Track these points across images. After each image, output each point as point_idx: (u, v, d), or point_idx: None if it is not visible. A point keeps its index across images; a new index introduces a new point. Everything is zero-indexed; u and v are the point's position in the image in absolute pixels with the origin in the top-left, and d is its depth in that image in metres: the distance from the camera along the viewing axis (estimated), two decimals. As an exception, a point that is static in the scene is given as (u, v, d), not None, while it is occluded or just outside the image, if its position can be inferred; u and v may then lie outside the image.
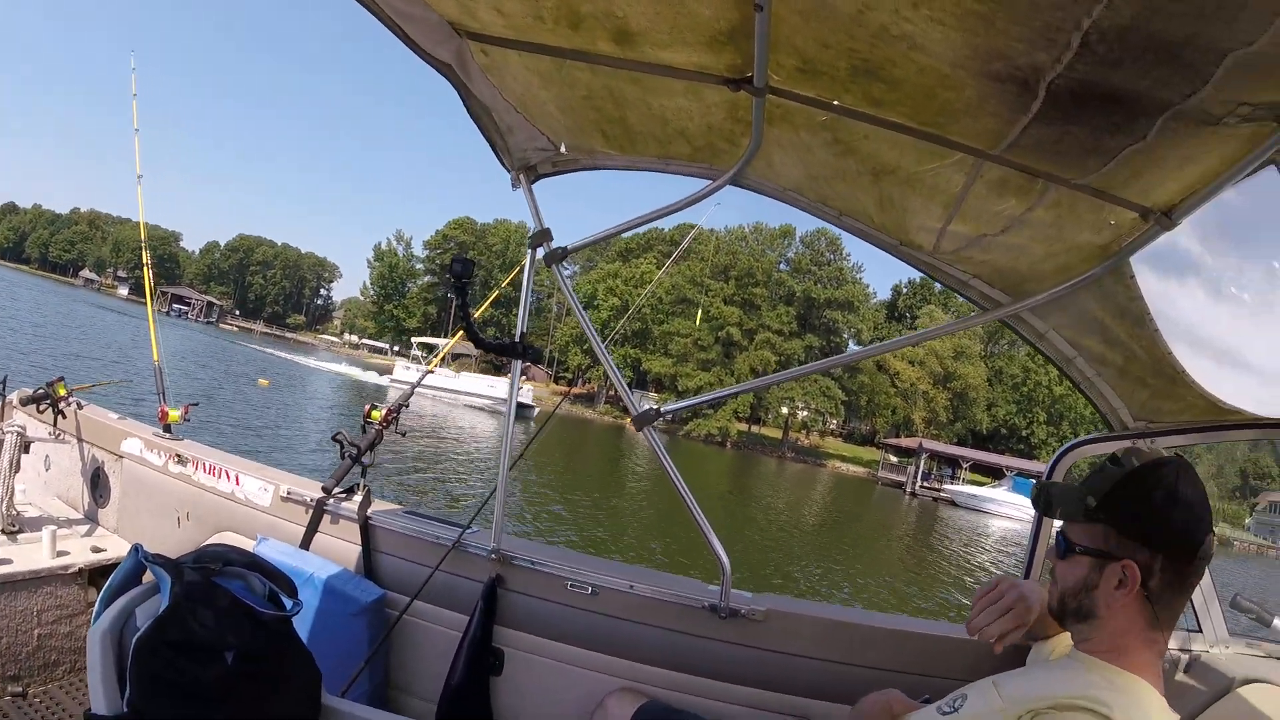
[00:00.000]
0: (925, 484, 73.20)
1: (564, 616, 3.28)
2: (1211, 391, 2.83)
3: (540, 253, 3.09)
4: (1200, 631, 3.63)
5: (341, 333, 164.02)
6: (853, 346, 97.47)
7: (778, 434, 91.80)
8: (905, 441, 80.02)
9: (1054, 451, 3.71)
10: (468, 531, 3.46)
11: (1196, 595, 3.61)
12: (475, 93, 2.48)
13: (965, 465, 77.09)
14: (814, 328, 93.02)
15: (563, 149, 2.95)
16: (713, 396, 3.88)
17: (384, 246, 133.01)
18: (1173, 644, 3.54)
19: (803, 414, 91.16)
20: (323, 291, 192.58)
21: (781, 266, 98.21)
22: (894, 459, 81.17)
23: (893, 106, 2.03)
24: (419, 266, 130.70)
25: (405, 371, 69.28)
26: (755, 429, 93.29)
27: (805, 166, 2.66)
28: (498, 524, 3.31)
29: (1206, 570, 3.51)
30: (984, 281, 3.05)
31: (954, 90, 1.83)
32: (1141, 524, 1.80)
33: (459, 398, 65.11)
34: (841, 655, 3.22)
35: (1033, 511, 3.16)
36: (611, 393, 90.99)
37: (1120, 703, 1.70)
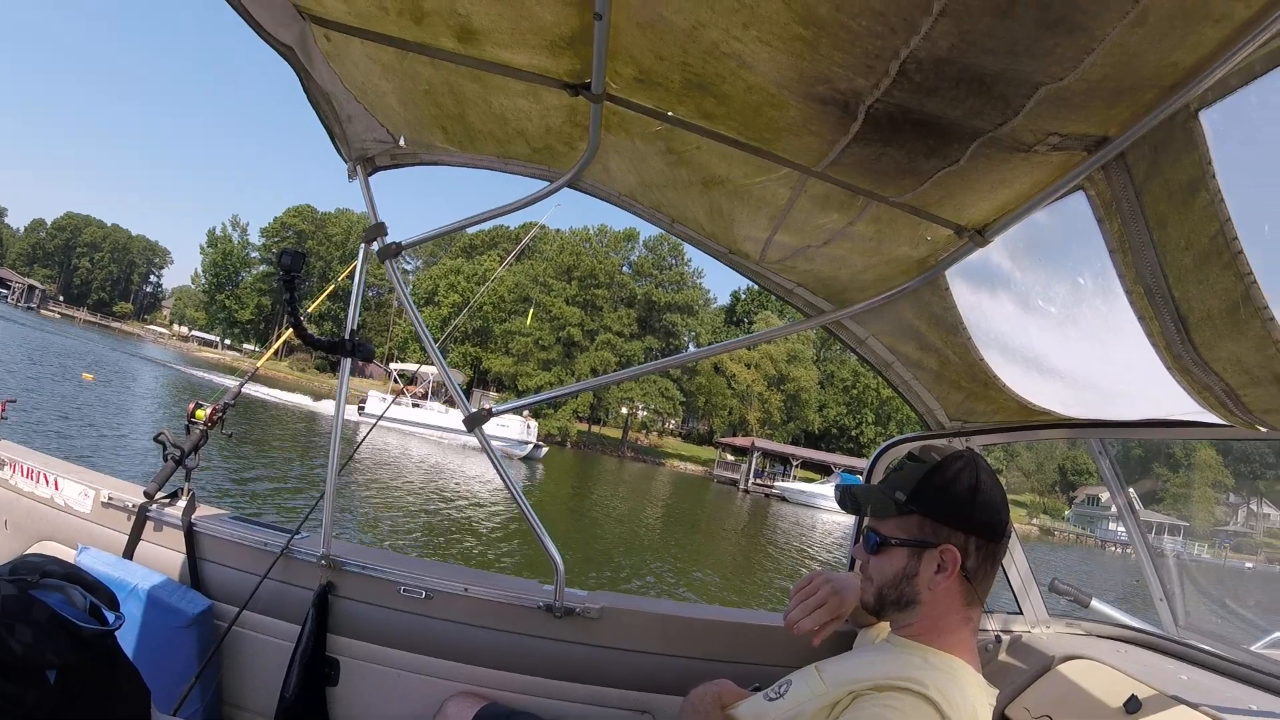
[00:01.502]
0: (758, 481, 75.38)
1: (398, 622, 3.21)
2: (1021, 394, 3.01)
3: (375, 247, 3.03)
4: (1021, 614, 3.85)
5: (171, 323, 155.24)
6: (692, 349, 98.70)
7: (618, 434, 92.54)
8: (740, 441, 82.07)
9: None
10: (297, 538, 3.32)
11: (1015, 580, 3.83)
12: (316, 78, 2.42)
13: (796, 463, 79.76)
14: (654, 330, 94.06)
15: (402, 142, 2.90)
16: (548, 396, 3.88)
17: (218, 232, 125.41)
18: (994, 626, 3.76)
19: (642, 414, 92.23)
20: (152, 278, 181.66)
21: (624, 269, 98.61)
22: (730, 457, 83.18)
23: (723, 121, 2.09)
24: (254, 255, 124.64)
25: (381, 404, 59.11)
26: (596, 429, 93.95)
27: (640, 174, 2.71)
28: (326, 529, 3.20)
29: (1024, 557, 3.82)
30: (808, 290, 3.18)
31: (779, 109, 1.90)
32: (953, 511, 1.92)
33: (452, 438, 56.50)
34: (676, 648, 3.28)
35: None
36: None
37: (937, 680, 1.78)
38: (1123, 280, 1.97)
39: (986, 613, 3.62)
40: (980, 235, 2.28)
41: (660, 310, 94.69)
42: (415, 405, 60.91)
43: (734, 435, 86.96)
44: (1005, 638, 3.73)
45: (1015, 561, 3.83)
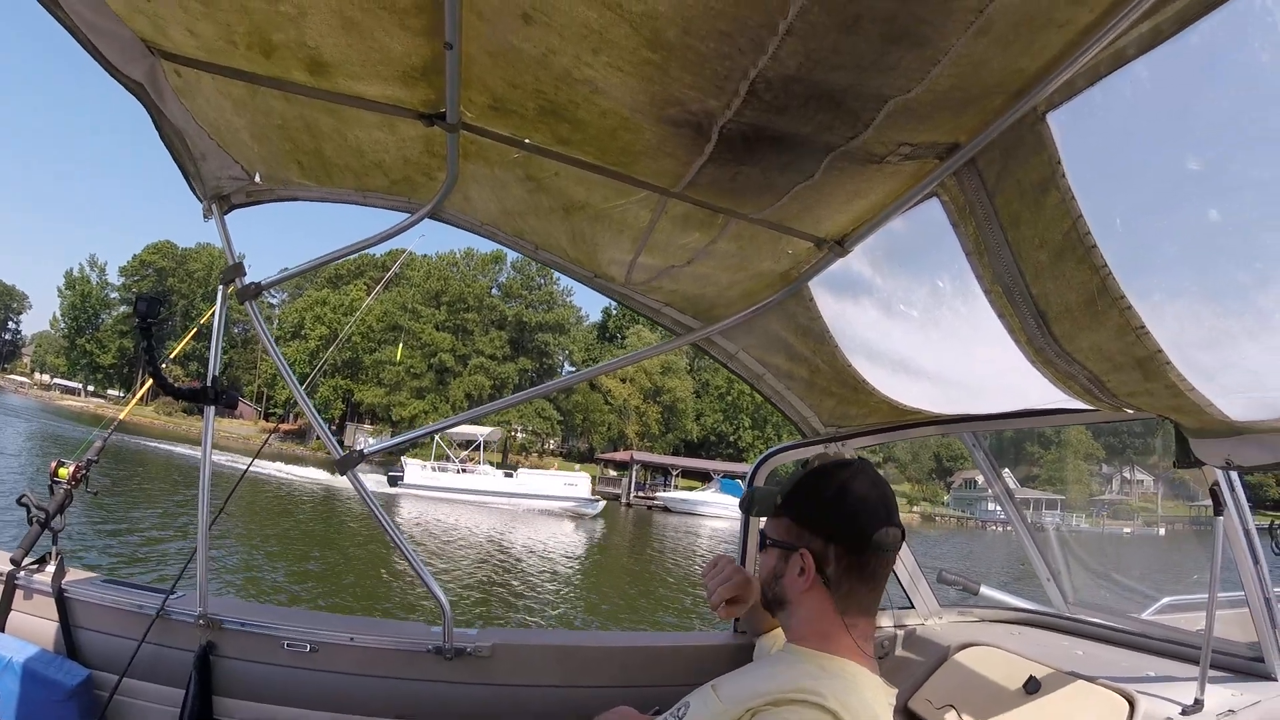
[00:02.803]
0: (640, 494, 75.59)
1: (284, 678, 3.08)
2: (891, 396, 3.07)
3: (235, 288, 2.92)
4: (913, 608, 3.94)
5: (32, 371, 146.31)
6: (567, 368, 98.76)
7: (498, 458, 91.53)
8: (619, 455, 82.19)
9: (760, 453, 3.93)
10: (172, 597, 3.15)
11: (903, 575, 3.91)
12: (168, 115, 2.32)
13: (676, 473, 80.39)
14: (527, 351, 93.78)
15: (257, 178, 2.80)
16: (427, 430, 3.79)
17: (76, 273, 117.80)
18: (887, 622, 3.84)
19: (521, 436, 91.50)
20: (10, 325, 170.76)
21: (493, 291, 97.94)
22: (612, 473, 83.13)
23: (579, 146, 2.09)
24: (114, 296, 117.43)
25: (423, 472, 54.72)
26: (477, 455, 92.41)
27: (501, 201, 2.69)
28: (202, 586, 3.04)
29: (909, 551, 3.89)
30: (676, 309, 3.21)
31: (634, 133, 1.91)
32: (814, 516, 1.97)
33: (520, 502, 51.90)
34: (573, 679, 3.25)
35: (738, 509, 3.31)
36: (328, 427, 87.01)
37: (833, 687, 1.79)
38: (981, 281, 2.03)
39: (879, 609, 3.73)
40: (840, 246, 2.34)
41: (532, 331, 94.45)
42: (462, 470, 56.50)
43: (614, 450, 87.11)
44: (900, 633, 3.82)
45: (901, 557, 3.89)
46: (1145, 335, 1.77)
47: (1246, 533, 3.00)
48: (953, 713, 3.24)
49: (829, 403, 3.44)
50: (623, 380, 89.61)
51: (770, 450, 3.86)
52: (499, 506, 50.15)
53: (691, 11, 1.40)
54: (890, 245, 2.35)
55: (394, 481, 51.53)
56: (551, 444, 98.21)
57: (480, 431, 61.29)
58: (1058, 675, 3.11)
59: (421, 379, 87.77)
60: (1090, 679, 3.01)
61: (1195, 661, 3.19)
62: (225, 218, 2.91)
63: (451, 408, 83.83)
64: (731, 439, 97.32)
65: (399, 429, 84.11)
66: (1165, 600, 4.43)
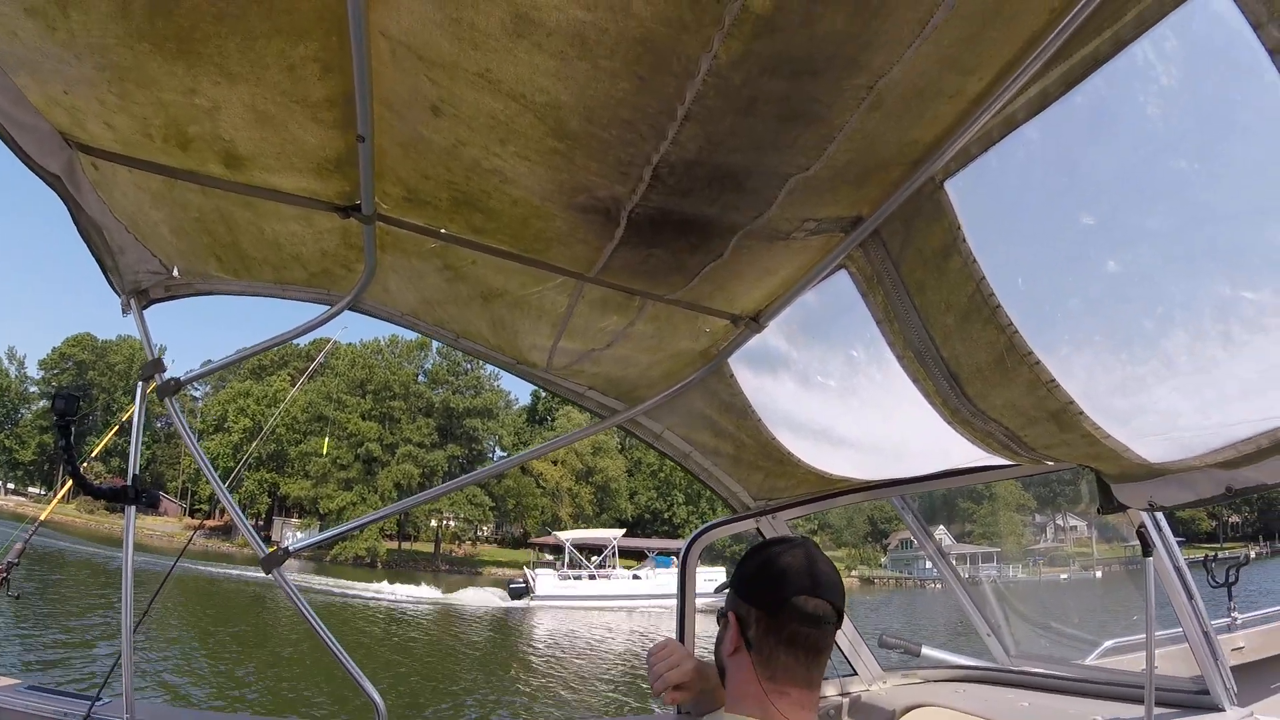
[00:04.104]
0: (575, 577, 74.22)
1: None
2: (817, 466, 3.09)
3: (155, 384, 2.80)
4: (856, 674, 3.92)
5: None
6: (498, 453, 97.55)
7: (430, 548, 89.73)
8: (552, 539, 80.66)
9: (695, 528, 3.92)
10: (98, 704, 3.00)
11: (843, 642, 3.89)
12: (85, 208, 2.29)
13: (608, 551, 79.36)
14: (456, 437, 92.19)
15: (176, 272, 2.76)
16: (355, 525, 3.71)
17: None
18: (832, 691, 3.82)
19: (453, 524, 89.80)
20: None
21: (420, 378, 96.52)
22: (548, 556, 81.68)
23: (493, 234, 2.12)
24: (34, 390, 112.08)
25: (555, 582, 53.10)
26: (406, 545, 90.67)
27: (420, 291, 2.69)
28: (127, 691, 2.86)
29: (847, 620, 3.84)
30: (599, 392, 3.23)
31: (546, 220, 1.96)
32: (743, 582, 2.02)
33: (660, 603, 48.17)
34: None
35: (670, 586, 3.25)
36: (252, 522, 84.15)
37: None
38: (892, 347, 2.09)
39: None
40: (755, 322, 2.39)
41: (460, 416, 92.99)
42: (594, 577, 54.78)
43: (548, 534, 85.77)
44: (845, 700, 3.80)
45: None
46: (1056, 388, 1.81)
47: (1178, 570, 3.06)
48: None
49: (757, 476, 3.47)
50: (554, 462, 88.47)
51: (701, 528, 3.84)
52: (641, 609, 48.28)
53: (593, 101, 1.44)
54: (804, 318, 2.41)
55: (518, 595, 48.83)
56: (485, 530, 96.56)
57: (611, 535, 61.13)
58: None
59: (349, 470, 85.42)
60: None
61: (1141, 702, 3.22)
62: (144, 312, 2.86)
63: (380, 498, 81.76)
64: (666, 515, 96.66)
65: (327, 522, 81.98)
66: (1108, 644, 4.49)
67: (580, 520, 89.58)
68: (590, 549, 70.61)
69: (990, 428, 2.13)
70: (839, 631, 3.79)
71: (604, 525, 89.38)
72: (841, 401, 2.58)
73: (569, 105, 1.48)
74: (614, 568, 57.56)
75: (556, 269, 2.25)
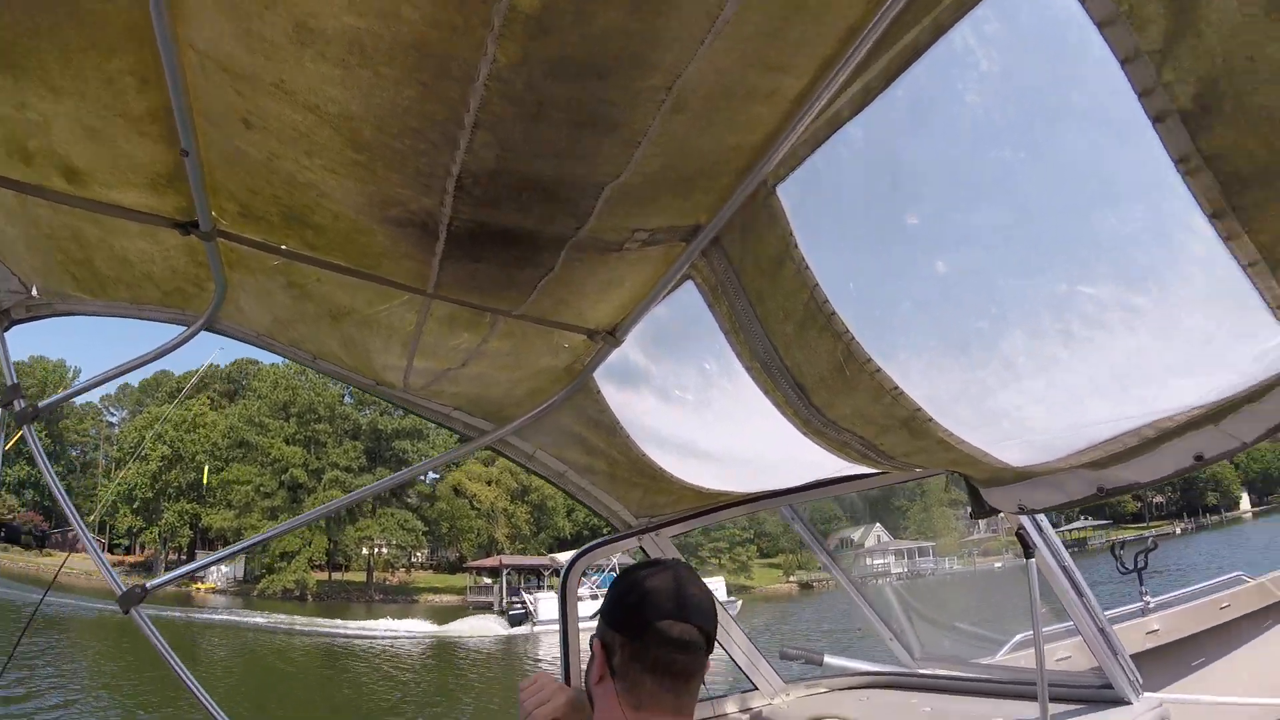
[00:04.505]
0: (514, 600, 73.38)
1: None
2: (690, 481, 3.03)
3: (13, 409, 2.71)
4: (757, 689, 3.87)
5: None
6: (432, 475, 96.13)
7: (363, 577, 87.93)
8: (488, 562, 79.48)
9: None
10: None
11: (739, 656, 3.85)
12: None
13: (548, 572, 78.65)
14: (385, 460, 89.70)
15: (35, 291, 2.67)
16: (221, 555, 3.56)
17: None
18: (733, 708, 3.76)
19: (385, 551, 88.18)
20: None
21: (345, 399, 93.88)
22: (487, 580, 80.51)
23: (327, 250, 2.06)
24: None
25: (552, 604, 48.40)
26: (337, 575, 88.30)
27: (271, 310, 2.62)
28: None
29: (742, 633, 3.85)
30: (465, 413, 3.16)
31: (367, 235, 1.90)
32: (608, 608, 1.94)
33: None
34: None
35: None
36: (172, 557, 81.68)
37: None
38: (740, 358, 2.03)
39: (719, 697, 3.74)
40: (612, 336, 2.33)
41: (389, 438, 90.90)
42: (595, 596, 54.07)
43: (485, 556, 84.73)
44: (746, 716, 3.75)
45: (734, 639, 3.85)
46: (901, 395, 1.74)
47: (1064, 569, 3.03)
48: None
49: (635, 494, 3.43)
50: (488, 483, 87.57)
51: (581, 550, 3.80)
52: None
53: (381, 110, 1.41)
54: (658, 331, 2.35)
55: (517, 621, 47.99)
56: (419, 556, 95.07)
57: (557, 557, 59.55)
58: None
59: (273, 498, 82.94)
60: None
61: (1051, 698, 3.20)
62: (5, 335, 2.77)
63: (308, 527, 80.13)
64: (605, 531, 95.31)
65: (253, 555, 79.87)
66: (1018, 637, 4.50)
67: (517, 541, 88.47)
68: (529, 570, 70.13)
69: (845, 438, 2.08)
70: (737, 648, 3.89)
71: (543, 545, 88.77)
72: (699, 415, 2.54)
73: (360, 115, 1.43)
74: (551, 589, 56.15)
75: (394, 284, 2.18)
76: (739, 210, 1.68)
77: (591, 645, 1.95)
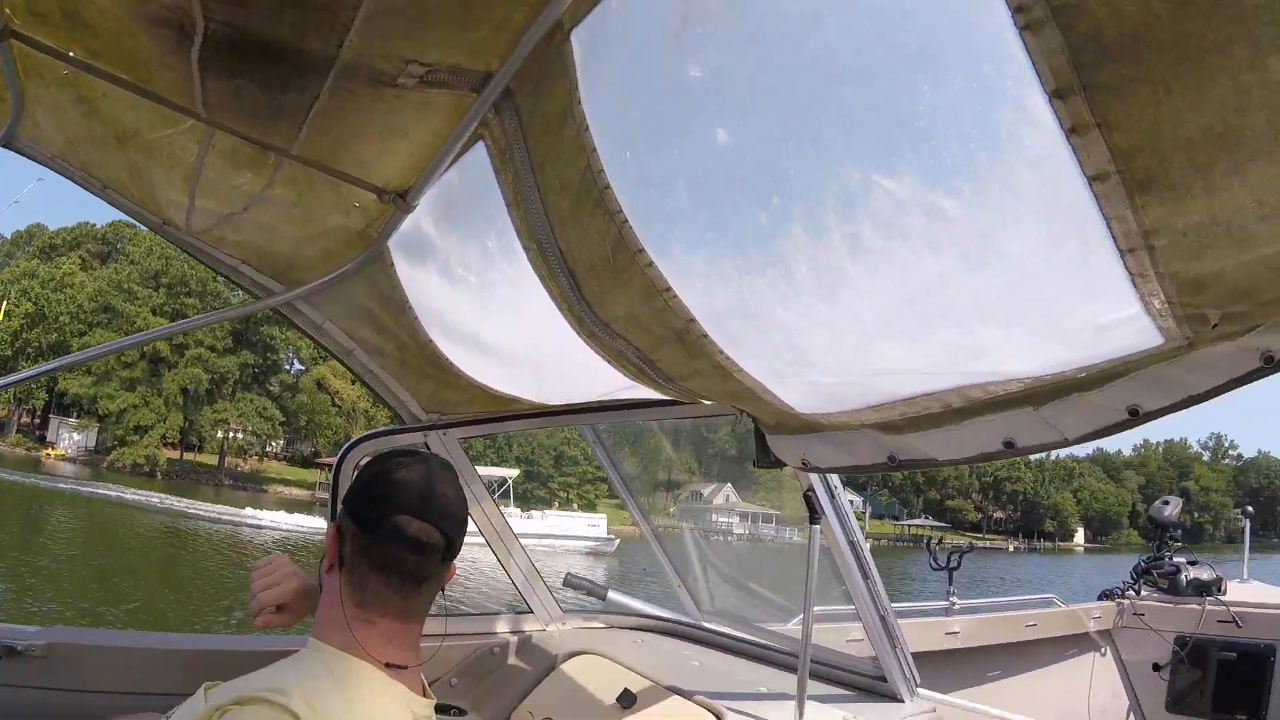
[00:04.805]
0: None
1: None
2: (477, 379, 2.86)
3: None
4: (532, 613, 3.75)
5: None
6: (296, 365, 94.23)
7: (215, 460, 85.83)
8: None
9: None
10: None
11: (519, 578, 3.74)
12: None
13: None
14: (250, 344, 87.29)
15: None
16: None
17: None
18: (504, 627, 3.65)
19: (240, 437, 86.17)
20: None
21: (220, 276, 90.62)
22: (336, 477, 79.74)
23: (107, 57, 1.87)
24: None
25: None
26: (190, 456, 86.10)
27: (63, 130, 2.44)
28: None
29: (524, 553, 3.75)
30: (253, 269, 2.95)
31: (133, 37, 1.71)
32: (350, 493, 1.82)
33: (553, 544, 49.51)
34: (141, 684, 2.91)
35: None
36: (24, 419, 78.62)
37: (311, 688, 1.57)
38: (519, 236, 1.81)
39: (493, 614, 3.72)
40: (403, 199, 2.12)
41: (257, 323, 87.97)
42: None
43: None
44: (514, 639, 3.63)
45: (515, 559, 3.75)
46: (674, 299, 1.51)
47: (852, 544, 2.92)
48: None
49: (426, 386, 3.23)
50: (352, 381, 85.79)
51: (359, 436, 3.56)
52: (530, 548, 49.02)
53: None
54: (449, 199, 2.10)
55: None
56: (274, 446, 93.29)
57: (510, 474, 59.85)
58: (655, 689, 3.02)
59: (133, 368, 79.62)
60: (687, 694, 2.91)
61: (822, 678, 3.21)
62: None
63: (165, 402, 77.70)
64: (464, 447, 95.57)
65: (106, 425, 77.38)
66: (816, 609, 4.41)
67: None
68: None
69: (620, 346, 1.88)
70: (516, 569, 3.71)
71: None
72: (482, 302, 2.32)
73: None
74: (508, 505, 58.17)
75: (165, 100, 1.96)
76: (532, 58, 1.43)
77: (328, 530, 1.83)
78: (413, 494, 1.73)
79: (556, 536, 52.04)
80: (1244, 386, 1.19)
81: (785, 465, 2.13)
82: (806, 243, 1.22)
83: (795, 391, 1.76)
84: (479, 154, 1.78)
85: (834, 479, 2.82)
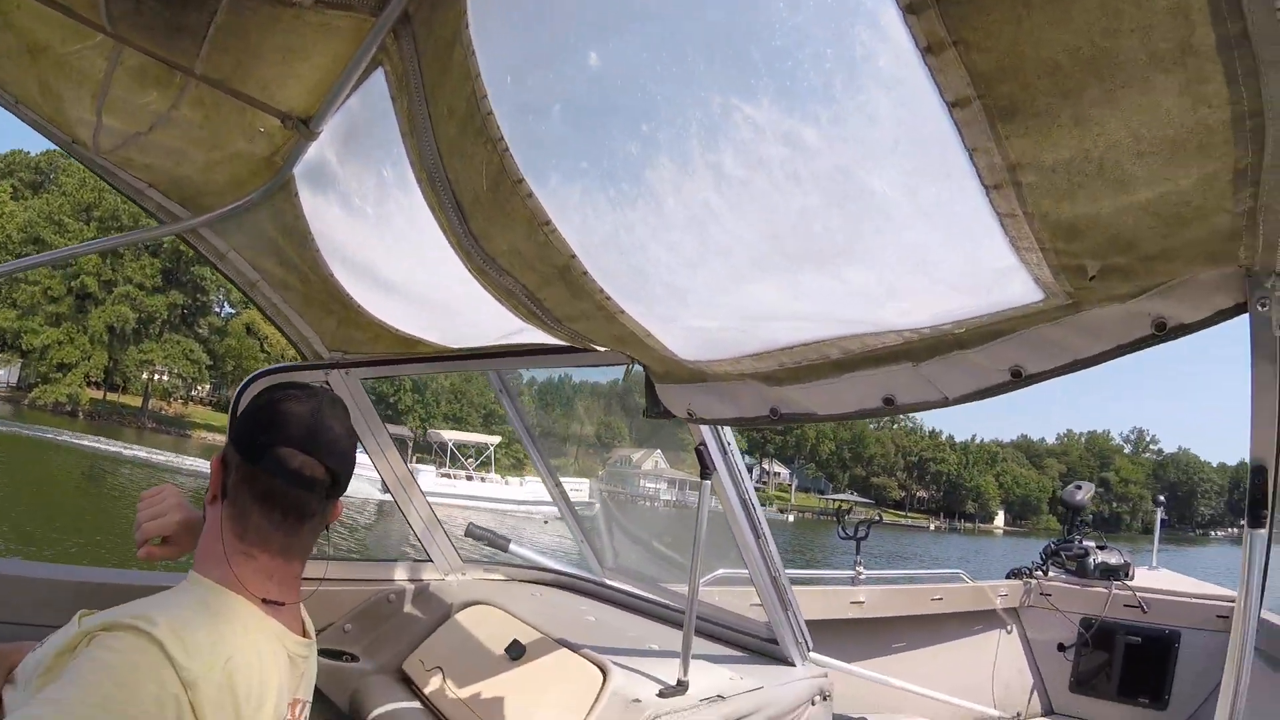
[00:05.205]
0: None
1: None
2: (380, 317, 2.81)
3: None
4: (431, 562, 3.74)
5: None
6: (227, 309, 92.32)
7: (139, 401, 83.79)
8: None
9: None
10: None
11: (418, 525, 3.72)
12: None
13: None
14: (181, 284, 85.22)
15: None
16: None
17: None
18: (403, 575, 3.63)
19: (165, 380, 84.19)
20: None
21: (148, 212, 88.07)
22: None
23: None
24: None
25: (429, 477, 49.92)
26: (114, 397, 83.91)
27: None
28: None
29: (424, 500, 3.70)
30: (160, 192, 2.84)
31: None
32: (237, 423, 1.79)
33: (532, 510, 47.98)
34: (16, 614, 2.83)
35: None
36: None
37: (180, 619, 1.53)
38: (413, 167, 1.76)
39: (389, 561, 3.65)
40: (306, 125, 2.04)
41: (189, 262, 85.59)
42: (470, 479, 54.43)
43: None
44: (411, 586, 3.62)
45: (416, 506, 3.72)
46: (554, 233, 1.48)
47: (744, 503, 2.93)
48: (439, 675, 3.10)
49: (330, 323, 3.16)
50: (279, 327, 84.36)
51: (258, 371, 3.46)
52: (511, 513, 48.31)
53: None
54: (350, 127, 2.04)
55: (386, 488, 47.14)
56: (200, 390, 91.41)
57: (491, 440, 60.45)
58: (545, 641, 3.02)
59: (60, 303, 77.35)
60: (575, 647, 2.91)
61: (715, 638, 3.26)
62: None
63: (90, 340, 75.65)
64: (392, 400, 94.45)
65: (30, 360, 75.11)
66: (720, 572, 4.45)
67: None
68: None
69: (507, 283, 1.84)
70: (417, 516, 3.68)
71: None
72: (379, 235, 2.27)
73: None
74: (490, 471, 58.88)
75: (73, 14, 1.87)
76: None
77: (212, 461, 1.79)
78: (300, 427, 1.70)
79: (535, 503, 50.73)
80: (1135, 353, 1.19)
81: (673, 416, 2.12)
82: (672, 172, 1.20)
83: (677, 337, 1.75)
84: (379, 81, 1.74)
85: (727, 434, 2.82)
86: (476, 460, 60.47)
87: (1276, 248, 0.95)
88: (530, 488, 54.82)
